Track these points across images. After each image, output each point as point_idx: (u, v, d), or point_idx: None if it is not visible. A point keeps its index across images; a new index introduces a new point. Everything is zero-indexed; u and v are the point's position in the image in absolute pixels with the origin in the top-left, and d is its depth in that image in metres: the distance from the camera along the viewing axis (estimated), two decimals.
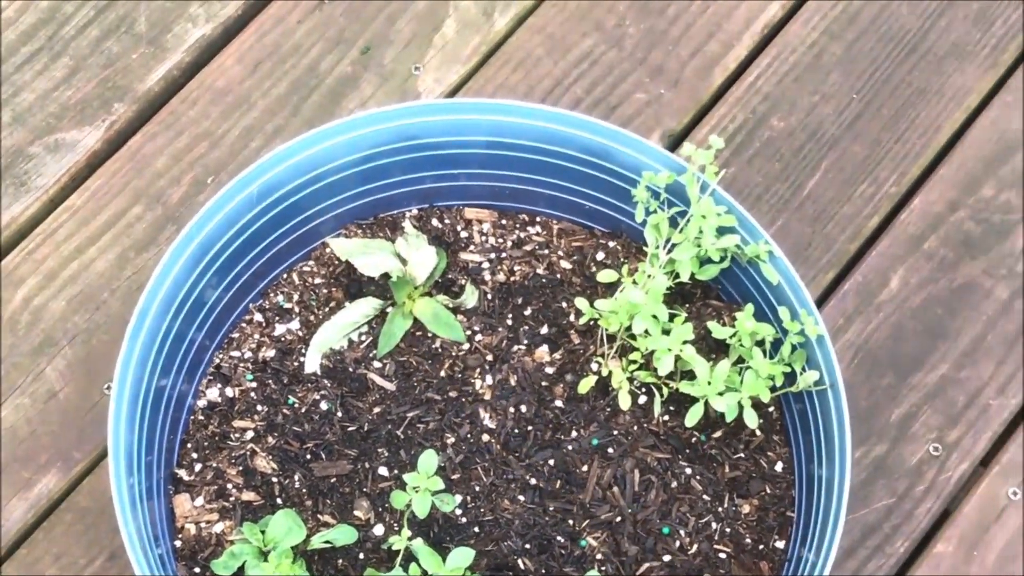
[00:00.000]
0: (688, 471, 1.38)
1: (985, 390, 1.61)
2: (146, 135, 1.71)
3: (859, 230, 1.68)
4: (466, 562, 1.23)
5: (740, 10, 1.78)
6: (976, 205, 1.69)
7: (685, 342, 1.32)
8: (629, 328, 1.35)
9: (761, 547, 1.36)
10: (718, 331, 1.35)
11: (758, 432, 1.39)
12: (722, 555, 1.36)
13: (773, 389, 1.34)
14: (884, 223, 1.69)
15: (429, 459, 1.27)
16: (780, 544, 1.36)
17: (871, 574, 1.54)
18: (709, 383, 1.31)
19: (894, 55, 1.76)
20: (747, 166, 1.70)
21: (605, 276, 1.39)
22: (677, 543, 1.35)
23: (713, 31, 1.77)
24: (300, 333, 1.44)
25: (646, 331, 1.33)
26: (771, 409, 1.40)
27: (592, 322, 1.42)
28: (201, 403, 1.41)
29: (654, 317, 1.32)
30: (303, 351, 1.42)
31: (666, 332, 1.34)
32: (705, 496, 1.37)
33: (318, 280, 1.46)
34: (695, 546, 1.35)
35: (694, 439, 1.39)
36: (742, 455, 1.39)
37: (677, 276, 1.36)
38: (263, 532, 1.30)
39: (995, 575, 1.53)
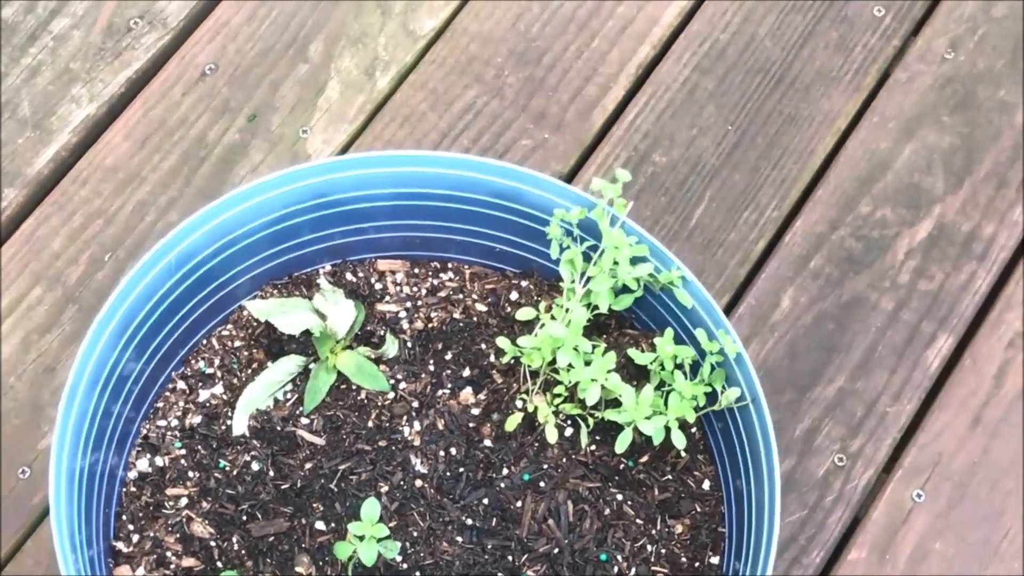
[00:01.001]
0: (619, 497, 1.41)
1: (881, 398, 1.68)
2: (39, 217, 1.71)
3: (747, 255, 1.74)
4: None
5: (613, 53, 1.84)
6: (855, 223, 1.76)
7: (609, 371, 1.35)
8: (552, 363, 1.38)
9: (697, 564, 1.40)
10: (639, 357, 1.39)
11: (683, 453, 1.43)
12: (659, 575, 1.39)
13: (697, 409, 1.38)
14: (770, 246, 1.75)
15: (371, 507, 1.29)
16: (715, 560, 1.40)
17: None
18: (636, 408, 1.35)
19: (763, 86, 1.83)
20: (635, 201, 1.75)
21: (524, 314, 1.42)
22: (616, 568, 1.39)
23: (589, 75, 1.82)
24: (225, 397, 1.45)
25: (569, 365, 1.36)
26: (694, 430, 1.45)
27: (513, 360, 1.45)
28: (132, 474, 1.41)
29: (576, 350, 1.36)
30: (229, 414, 1.43)
31: (587, 363, 1.37)
32: (638, 520, 1.41)
33: (238, 343, 1.47)
34: (633, 570, 1.39)
35: (622, 466, 1.43)
36: (670, 477, 1.43)
37: (595, 308, 1.40)
38: None
39: None
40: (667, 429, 1.36)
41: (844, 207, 1.77)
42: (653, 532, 1.41)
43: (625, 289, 1.42)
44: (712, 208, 1.76)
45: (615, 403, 1.39)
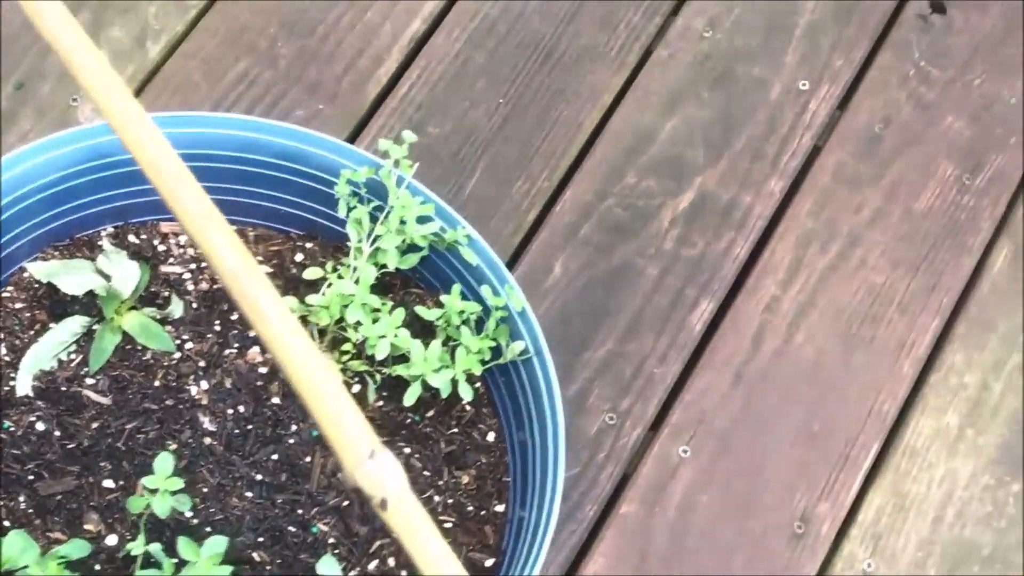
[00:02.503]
0: (407, 451, 1.44)
1: (648, 360, 1.74)
2: None
3: (520, 224, 1.79)
4: (220, 549, 1.26)
5: (386, 27, 1.87)
6: (622, 193, 1.82)
7: (398, 327, 1.38)
8: (339, 321, 1.41)
9: (483, 512, 1.44)
10: (426, 313, 1.43)
11: (469, 407, 1.47)
12: (447, 525, 1.43)
13: (483, 363, 1.43)
14: (541, 216, 1.81)
15: (164, 461, 1.29)
16: (500, 508, 1.45)
17: (566, 540, 1.64)
18: (425, 362, 1.38)
19: (532, 60, 1.88)
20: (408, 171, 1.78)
21: (311, 273, 1.45)
22: None
23: (363, 47, 1.85)
24: (7, 358, 1.43)
25: (358, 321, 1.39)
26: (478, 385, 1.49)
27: (301, 319, 1.47)
28: None
29: (364, 307, 1.39)
30: (12, 376, 1.42)
31: (376, 321, 1.40)
32: (425, 472, 1.44)
33: (19, 305, 1.46)
34: None
35: (409, 420, 1.46)
36: (455, 430, 1.47)
37: (383, 266, 1.43)
38: None
39: (675, 530, 1.66)
40: (454, 382, 1.40)
41: (611, 178, 1.83)
42: (440, 483, 1.45)
43: (411, 248, 1.46)
44: (485, 179, 1.81)
45: (403, 359, 1.42)
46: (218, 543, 1.26)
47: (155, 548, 1.29)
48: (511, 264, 1.77)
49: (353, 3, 1.88)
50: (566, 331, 1.74)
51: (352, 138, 1.80)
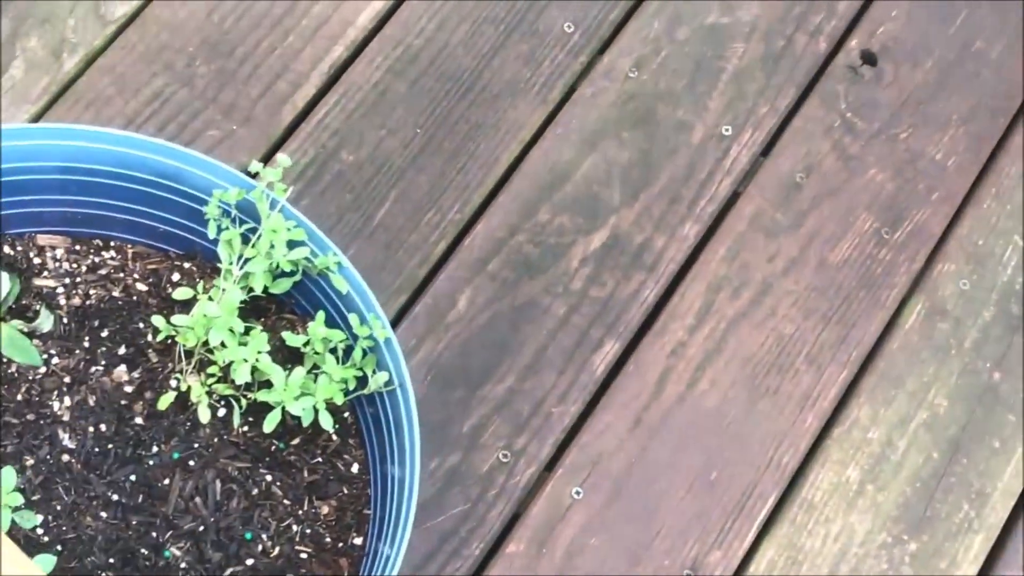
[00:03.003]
0: (269, 478, 1.43)
1: (547, 399, 1.72)
2: None
3: (427, 255, 1.78)
4: (48, 567, 1.24)
5: (306, 51, 1.86)
6: (534, 229, 1.81)
7: (261, 352, 1.37)
8: (207, 343, 1.39)
9: (340, 544, 1.42)
10: (292, 339, 1.41)
11: (334, 437, 1.46)
12: (303, 555, 1.41)
13: (347, 393, 1.41)
14: (450, 248, 1.79)
15: (8, 475, 1.28)
16: (358, 541, 1.43)
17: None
18: (285, 389, 1.36)
19: (453, 93, 1.87)
20: (320, 198, 1.77)
21: (181, 293, 1.43)
22: (260, 547, 1.40)
23: (281, 71, 1.84)
24: None
25: (223, 344, 1.37)
26: (346, 415, 1.47)
27: (170, 340, 1.45)
28: None
29: (231, 330, 1.37)
30: None
31: (243, 345, 1.39)
32: (286, 501, 1.42)
33: None
34: (277, 548, 1.40)
35: (274, 447, 1.44)
36: (320, 459, 1.45)
37: (252, 290, 1.41)
38: None
39: (562, 572, 1.63)
40: (316, 410, 1.38)
41: (524, 214, 1.82)
42: (300, 512, 1.43)
43: (284, 273, 1.44)
44: (396, 208, 1.79)
45: (268, 384, 1.41)
46: (46, 561, 1.25)
47: (6, 564, 1.27)
48: (415, 296, 1.76)
49: (275, 27, 1.87)
50: (466, 365, 1.72)
51: (264, 161, 1.79)
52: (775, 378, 1.78)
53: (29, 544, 1.35)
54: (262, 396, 1.39)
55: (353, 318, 1.41)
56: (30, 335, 1.45)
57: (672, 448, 1.72)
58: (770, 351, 1.79)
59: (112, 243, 1.52)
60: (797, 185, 1.89)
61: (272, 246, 1.40)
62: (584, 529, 1.67)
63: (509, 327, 1.76)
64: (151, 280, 1.51)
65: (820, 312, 1.82)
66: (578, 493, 1.69)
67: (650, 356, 1.77)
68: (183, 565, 1.38)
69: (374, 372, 1.42)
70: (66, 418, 1.42)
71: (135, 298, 1.49)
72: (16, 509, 1.28)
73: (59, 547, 1.36)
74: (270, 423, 1.38)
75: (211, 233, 1.42)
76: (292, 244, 1.42)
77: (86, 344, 1.46)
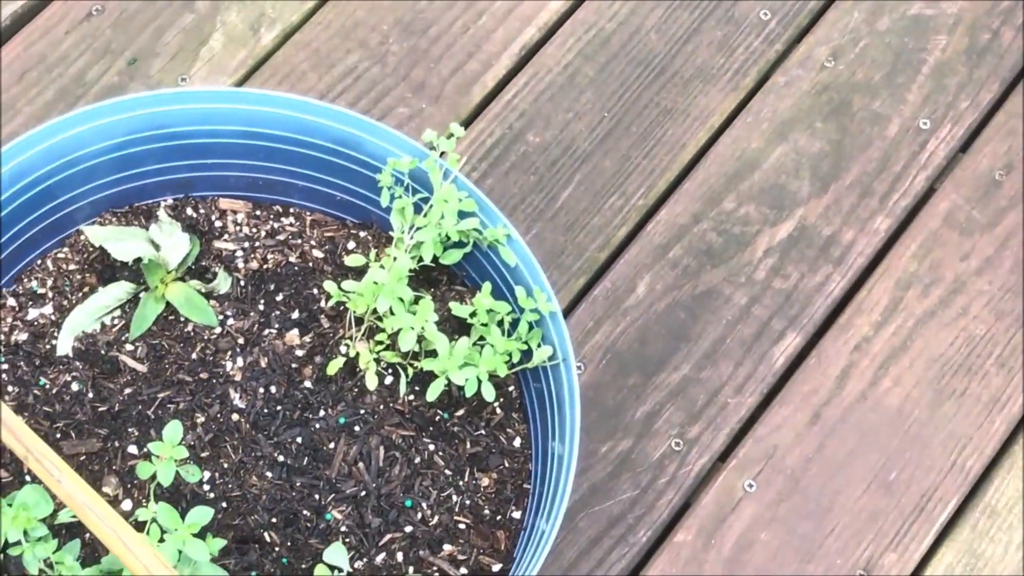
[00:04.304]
0: (431, 447, 1.43)
1: (724, 389, 1.69)
2: None
3: (609, 239, 1.76)
4: (203, 520, 1.26)
5: (498, 32, 1.86)
6: (718, 217, 1.78)
7: (427, 320, 1.37)
8: (376, 311, 1.40)
9: (499, 517, 1.42)
10: (458, 309, 1.41)
11: (498, 410, 1.45)
12: (462, 525, 1.41)
13: (511, 365, 1.40)
14: (632, 233, 1.77)
15: (174, 429, 1.30)
16: (517, 514, 1.42)
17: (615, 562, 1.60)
18: (450, 358, 1.36)
19: (643, 77, 1.85)
20: (504, 178, 1.77)
21: (353, 260, 1.44)
22: (419, 515, 1.40)
23: (473, 51, 1.85)
24: (53, 317, 1.46)
25: (391, 311, 1.38)
26: (511, 388, 1.47)
27: (341, 307, 1.47)
28: None
29: (399, 298, 1.38)
30: (56, 334, 1.45)
31: (411, 313, 1.39)
32: (447, 471, 1.42)
33: (72, 266, 1.49)
34: (436, 517, 1.40)
35: (437, 417, 1.44)
36: (483, 432, 1.45)
37: (422, 260, 1.42)
38: (10, 505, 1.31)
39: (730, 566, 1.60)
40: (479, 381, 1.38)
41: (709, 201, 1.79)
42: (460, 483, 1.42)
43: (454, 244, 1.44)
44: (579, 191, 1.78)
45: (434, 354, 1.41)
46: (203, 513, 1.27)
47: (162, 515, 1.30)
48: (594, 279, 1.74)
49: (469, 6, 1.88)
50: (643, 351, 1.71)
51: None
52: (962, 379, 1.72)
53: (195, 499, 1.38)
54: (427, 365, 1.40)
55: (520, 291, 1.41)
56: (207, 296, 1.48)
57: (851, 446, 1.68)
58: (959, 351, 1.73)
59: (291, 210, 1.54)
60: (996, 182, 1.82)
61: (443, 216, 1.40)
62: (755, 523, 1.64)
63: (688, 315, 1.73)
64: (327, 247, 1.52)
65: (1014, 314, 1.75)
66: (751, 486, 1.65)
67: (833, 351, 1.73)
68: (343, 528, 1.39)
69: (539, 346, 1.41)
70: (238, 378, 1.44)
71: (310, 264, 1.51)
72: (181, 463, 1.30)
73: (224, 504, 1.38)
74: (434, 391, 1.38)
75: (383, 201, 1.43)
76: (463, 215, 1.42)
77: (261, 307, 1.48)
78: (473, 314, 1.41)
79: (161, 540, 1.25)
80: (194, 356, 1.45)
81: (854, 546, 1.63)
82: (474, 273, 1.48)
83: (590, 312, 1.72)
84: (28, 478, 1.38)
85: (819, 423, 1.69)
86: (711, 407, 1.69)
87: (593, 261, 1.75)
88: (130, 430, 1.41)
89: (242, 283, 1.49)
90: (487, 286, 1.41)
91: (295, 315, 1.48)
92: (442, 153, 1.42)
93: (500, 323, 1.42)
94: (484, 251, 1.45)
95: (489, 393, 1.37)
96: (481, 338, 1.42)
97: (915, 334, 1.74)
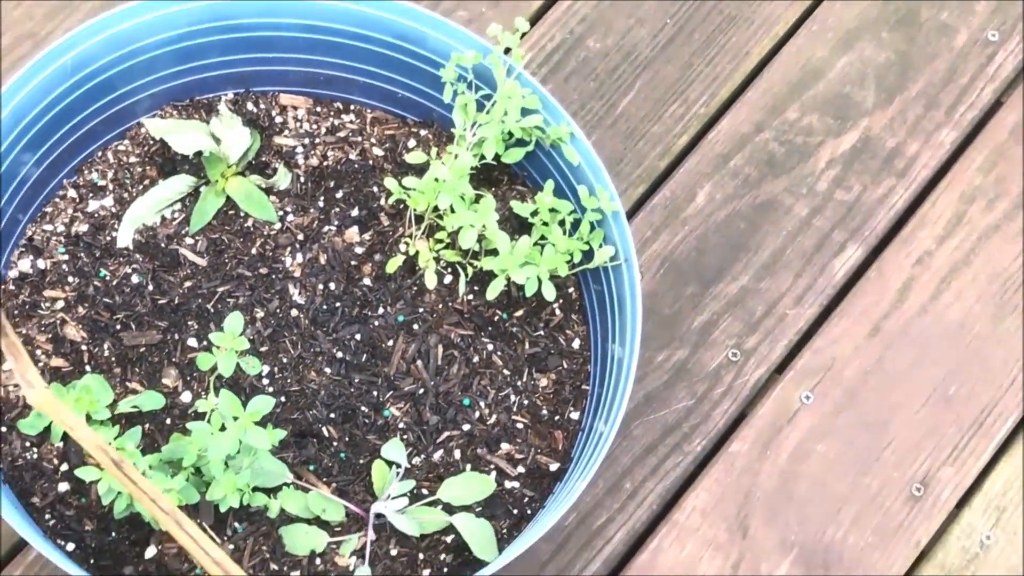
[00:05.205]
0: (490, 347, 1.42)
1: (782, 300, 1.68)
2: None
3: (669, 148, 1.74)
4: (265, 408, 1.26)
5: None
6: (780, 127, 1.76)
7: (488, 219, 1.36)
8: (436, 208, 1.39)
9: (557, 418, 1.41)
10: (519, 208, 1.40)
11: (557, 311, 1.44)
12: (519, 425, 1.40)
13: (572, 266, 1.39)
14: (693, 142, 1.75)
15: (235, 321, 1.30)
16: (575, 415, 1.41)
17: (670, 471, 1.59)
18: (510, 256, 1.35)
19: None
20: (564, 84, 1.75)
21: (414, 157, 1.43)
22: (477, 414, 1.40)
23: None
24: (114, 209, 1.46)
25: (451, 209, 1.37)
26: (571, 290, 1.46)
27: (401, 204, 1.46)
28: (12, 273, 1.42)
29: (460, 196, 1.37)
30: (116, 227, 1.44)
31: (473, 212, 1.38)
32: (505, 371, 1.42)
33: (133, 159, 1.48)
34: (494, 416, 1.40)
35: (496, 317, 1.44)
36: (542, 332, 1.44)
37: (484, 158, 1.40)
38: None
39: (785, 476, 1.59)
40: (539, 280, 1.37)
41: (772, 111, 1.77)
42: (519, 383, 1.42)
43: (517, 143, 1.43)
44: (640, 98, 1.76)
45: (494, 253, 1.40)
46: (264, 401, 1.27)
47: (222, 406, 1.30)
48: (654, 188, 1.73)
49: None
50: (701, 261, 1.69)
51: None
52: None
53: (254, 393, 1.38)
54: (487, 264, 1.39)
55: (582, 190, 1.39)
56: (267, 191, 1.47)
57: (910, 359, 1.66)
58: (1022, 267, 1.71)
59: (352, 107, 1.53)
60: None
61: (506, 113, 1.39)
62: (811, 434, 1.62)
63: (748, 225, 1.71)
64: (387, 145, 1.51)
65: None
66: (808, 398, 1.64)
67: (894, 264, 1.71)
68: (401, 425, 1.39)
69: (600, 246, 1.39)
70: (297, 274, 1.44)
71: (371, 162, 1.50)
72: (241, 355, 1.30)
73: (282, 398, 1.38)
74: (493, 290, 1.37)
75: (446, 97, 1.42)
76: (526, 112, 1.41)
77: (320, 204, 1.47)
78: (534, 213, 1.40)
79: (222, 429, 1.25)
80: (254, 251, 1.44)
81: (911, 460, 1.62)
82: (535, 173, 1.47)
83: (648, 221, 1.71)
84: (88, 367, 1.38)
85: (879, 336, 1.67)
86: (769, 318, 1.67)
87: (652, 169, 1.74)
88: (190, 323, 1.41)
89: (302, 179, 1.48)
90: (549, 184, 1.40)
91: (355, 212, 1.47)
92: (506, 49, 1.40)
93: (561, 223, 1.41)
94: (546, 150, 1.43)
95: (549, 293, 1.36)
96: (542, 237, 1.41)
97: (978, 248, 1.72)
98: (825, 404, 1.64)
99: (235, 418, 1.24)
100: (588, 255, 1.40)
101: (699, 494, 1.59)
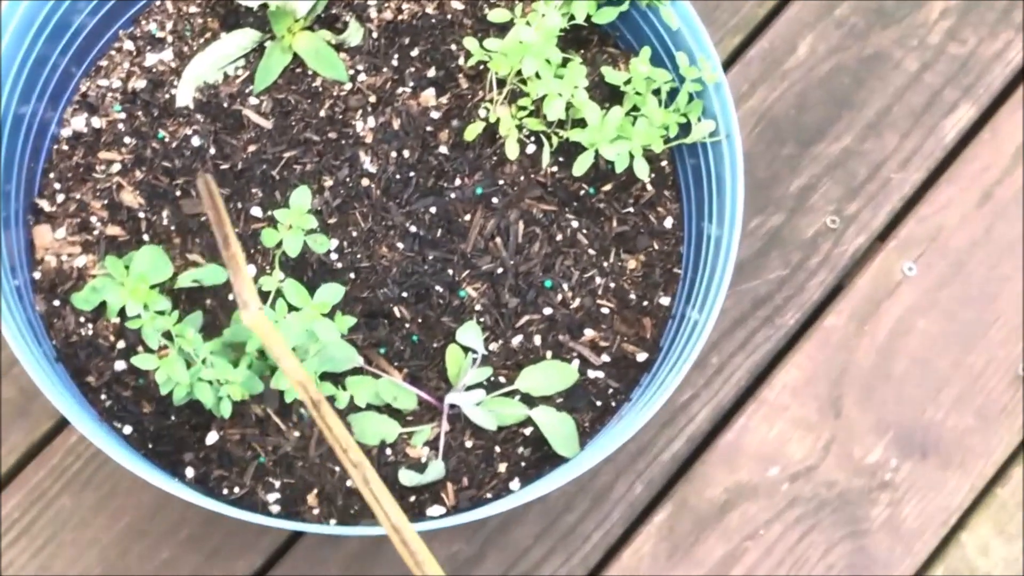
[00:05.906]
0: (574, 224, 1.32)
1: (887, 163, 1.57)
2: None
3: None
4: (334, 298, 1.17)
5: None
6: None
7: (577, 87, 1.25)
8: (520, 72, 1.28)
9: (645, 303, 1.32)
10: (611, 76, 1.29)
11: (649, 187, 1.34)
12: (604, 310, 1.31)
13: (667, 140, 1.29)
14: None
15: (302, 195, 1.20)
16: (664, 301, 1.32)
17: (760, 344, 1.51)
18: (601, 129, 1.25)
19: None
20: None
21: (497, 16, 1.32)
22: (559, 297, 1.31)
23: None
24: (173, 64, 1.36)
25: (537, 74, 1.26)
26: (664, 163, 1.35)
27: (482, 66, 1.35)
28: (65, 132, 1.33)
29: (547, 60, 1.26)
30: (175, 83, 1.35)
31: (559, 77, 1.27)
32: (590, 250, 1.32)
33: (193, 9, 1.38)
34: (577, 300, 1.31)
35: (582, 192, 1.34)
36: (631, 210, 1.34)
37: (573, 18, 1.29)
38: (127, 267, 1.23)
39: (884, 352, 1.51)
40: (631, 156, 1.26)
41: None
42: (605, 264, 1.32)
43: (611, 2, 1.31)
44: None
45: (582, 123, 1.29)
46: (333, 291, 1.18)
47: (289, 292, 1.21)
48: (751, 38, 1.61)
49: None
50: (800, 118, 1.58)
51: None
52: None
53: (323, 270, 1.29)
54: (575, 135, 1.28)
55: (681, 57, 1.28)
56: (337, 48, 1.37)
57: (1022, 230, 1.55)
58: None
59: None
60: None
61: None
62: (913, 308, 1.53)
63: (852, 80, 1.59)
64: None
65: None
66: (910, 269, 1.54)
67: (1009, 125, 1.59)
68: (478, 307, 1.30)
69: (699, 119, 1.28)
70: (368, 140, 1.34)
71: (449, 17, 1.38)
72: (309, 232, 1.21)
73: (352, 275, 1.30)
74: (581, 165, 1.27)
75: None
76: None
77: (394, 63, 1.37)
78: (628, 81, 1.29)
79: (291, 310, 1.16)
80: (322, 114, 1.34)
81: (1018, 338, 1.52)
82: (629, 35, 1.35)
83: (744, 74, 1.59)
84: (146, 236, 1.30)
85: (989, 204, 1.56)
86: (872, 182, 1.56)
87: (751, 17, 1.62)
88: (254, 191, 1.32)
89: (374, 35, 1.37)
90: (645, 50, 1.28)
91: (431, 73, 1.36)
92: None
93: (657, 92, 1.29)
94: (642, 11, 1.31)
95: (642, 171, 1.26)
96: (635, 108, 1.30)
97: None
98: (929, 276, 1.54)
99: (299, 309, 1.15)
100: (684, 128, 1.29)
101: (790, 371, 1.50)
